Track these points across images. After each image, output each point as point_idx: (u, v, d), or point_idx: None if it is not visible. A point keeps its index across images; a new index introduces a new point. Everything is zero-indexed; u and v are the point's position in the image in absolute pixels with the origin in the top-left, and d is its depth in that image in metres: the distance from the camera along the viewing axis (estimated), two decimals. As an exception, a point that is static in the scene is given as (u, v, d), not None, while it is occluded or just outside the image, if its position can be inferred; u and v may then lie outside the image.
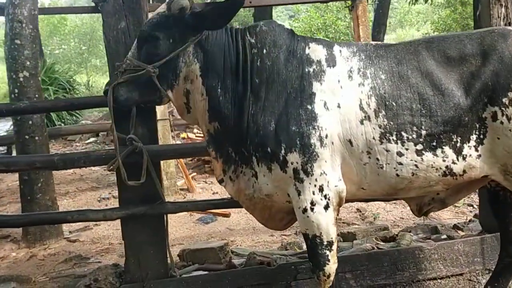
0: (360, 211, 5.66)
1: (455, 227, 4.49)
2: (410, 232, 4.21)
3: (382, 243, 4.08)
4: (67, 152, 8.97)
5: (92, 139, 11.58)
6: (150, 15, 2.90)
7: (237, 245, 4.72)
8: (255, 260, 3.67)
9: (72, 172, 8.04)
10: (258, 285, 3.44)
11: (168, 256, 3.42)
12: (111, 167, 2.99)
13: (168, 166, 6.40)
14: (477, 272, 3.65)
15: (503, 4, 3.59)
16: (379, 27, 12.35)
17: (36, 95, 4.81)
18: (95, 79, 24.81)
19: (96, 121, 12.98)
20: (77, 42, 28.38)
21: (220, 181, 2.83)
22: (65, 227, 5.44)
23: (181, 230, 5.35)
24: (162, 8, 2.59)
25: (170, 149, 3.47)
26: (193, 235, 5.24)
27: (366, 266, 3.53)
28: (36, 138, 4.85)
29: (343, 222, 5.26)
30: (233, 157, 2.71)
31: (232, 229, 5.39)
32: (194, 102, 2.66)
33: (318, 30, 26.53)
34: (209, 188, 6.97)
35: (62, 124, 12.50)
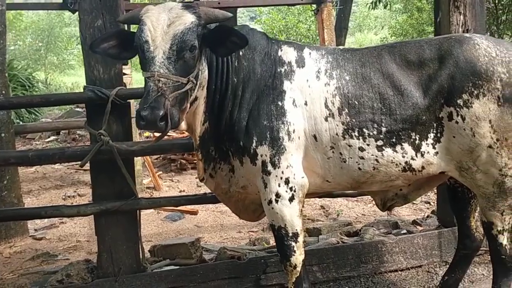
0: (324, 208, 5.85)
1: (414, 222, 4.74)
2: (372, 227, 4.42)
3: (346, 237, 4.28)
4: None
5: (52, 138, 11.35)
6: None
7: (206, 242, 4.81)
8: (226, 254, 3.78)
9: (34, 171, 7.90)
10: (229, 279, 3.55)
11: (140, 251, 3.49)
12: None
13: (135, 164, 6.37)
14: (435, 264, 3.88)
15: (462, 12, 3.84)
16: (340, 31, 12.67)
17: (3, 92, 4.74)
18: (52, 76, 24.24)
19: (56, 119, 12.71)
20: (33, 39, 27.56)
21: (202, 180, 2.96)
22: (30, 225, 5.39)
23: (149, 227, 5.38)
24: (179, 14, 2.45)
25: (145, 146, 3.52)
26: (161, 232, 5.29)
27: (332, 259, 3.70)
28: (3, 135, 4.78)
29: (308, 219, 5.44)
30: (212, 155, 2.86)
31: (200, 226, 5.47)
32: (196, 107, 2.69)
33: (280, 32, 26.79)
34: (175, 186, 7.01)
35: (21, 122, 12.18)
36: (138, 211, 3.46)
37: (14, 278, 3.80)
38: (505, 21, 13.71)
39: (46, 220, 5.52)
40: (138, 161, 6.45)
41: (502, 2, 13.41)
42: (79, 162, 3.23)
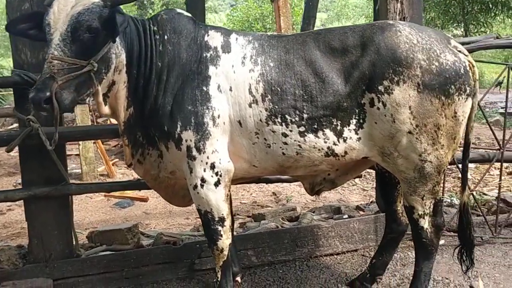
0: (276, 195, 5.90)
1: (358, 208, 4.81)
2: (313, 212, 4.47)
3: (287, 222, 4.32)
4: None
5: (15, 125, 11.19)
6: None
7: (151, 228, 4.81)
8: (162, 240, 3.79)
9: (-11, 158, 7.80)
10: (163, 264, 3.56)
11: (73, 237, 3.47)
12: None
13: (87, 152, 6.34)
14: (370, 248, 3.96)
15: (399, 0, 3.88)
16: (309, 19, 12.56)
17: None
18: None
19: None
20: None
21: (129, 165, 2.95)
22: (-23, 212, 5.33)
23: (97, 214, 5.35)
24: None
25: (73, 131, 3.49)
26: (109, 219, 5.27)
27: (268, 243, 3.74)
28: None
29: (258, 205, 5.48)
30: (140, 141, 2.86)
31: (148, 213, 5.47)
32: (116, 92, 2.69)
33: (256, 20, 26.79)
34: (129, 174, 6.99)
35: (-16, 109, 11.96)
36: (70, 196, 3.44)
37: None
38: (471, 11, 13.96)
39: (-6, 207, 5.47)
40: (90, 147, 6.42)
41: (469, -7, 13.66)
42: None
